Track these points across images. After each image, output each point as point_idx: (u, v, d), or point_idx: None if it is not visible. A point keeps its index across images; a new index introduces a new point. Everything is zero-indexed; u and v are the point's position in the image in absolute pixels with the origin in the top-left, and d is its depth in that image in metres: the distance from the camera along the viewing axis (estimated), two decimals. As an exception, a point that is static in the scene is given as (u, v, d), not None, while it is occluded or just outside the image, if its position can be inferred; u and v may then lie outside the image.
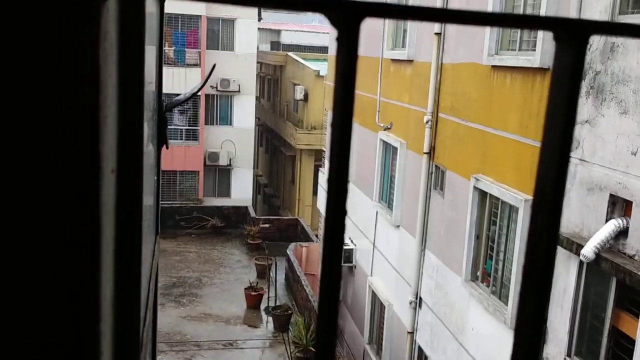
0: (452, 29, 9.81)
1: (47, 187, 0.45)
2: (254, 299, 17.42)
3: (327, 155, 17.54)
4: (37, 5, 0.40)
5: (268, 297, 17.43)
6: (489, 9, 8.40)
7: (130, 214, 0.59)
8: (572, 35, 0.33)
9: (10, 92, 0.42)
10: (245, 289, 17.67)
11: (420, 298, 10.77)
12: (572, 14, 6.67)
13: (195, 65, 25.27)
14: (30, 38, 0.41)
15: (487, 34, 8.44)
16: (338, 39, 0.33)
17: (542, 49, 7.19)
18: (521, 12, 7.96)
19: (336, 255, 0.40)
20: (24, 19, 0.41)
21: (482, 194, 8.73)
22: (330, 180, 0.34)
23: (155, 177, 1.40)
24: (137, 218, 0.65)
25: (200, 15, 25.01)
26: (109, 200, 0.49)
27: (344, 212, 0.34)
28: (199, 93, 25.01)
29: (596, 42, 6.37)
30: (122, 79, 0.53)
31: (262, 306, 17.50)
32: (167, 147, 1.66)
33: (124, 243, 0.59)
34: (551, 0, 7.08)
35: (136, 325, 0.77)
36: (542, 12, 7.21)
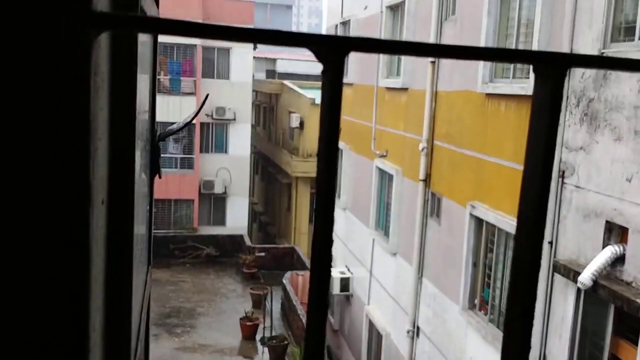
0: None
1: (37, 218, 0.45)
2: (249, 330, 17.21)
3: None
4: (29, 40, 0.41)
5: (264, 327, 17.23)
6: (482, 36, 8.52)
7: (121, 245, 0.59)
8: (550, 68, 0.34)
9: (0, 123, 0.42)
10: (240, 319, 17.48)
11: (418, 327, 10.67)
12: (565, 42, 6.77)
13: (191, 93, 25.43)
14: (22, 72, 0.42)
15: (481, 61, 8.55)
16: (323, 72, 0.33)
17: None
18: (514, 40, 8.08)
19: (323, 289, 0.40)
20: (16, 52, 0.41)
21: (479, 221, 8.73)
22: (317, 210, 0.34)
23: (148, 207, 1.40)
24: (128, 249, 0.65)
25: (196, 45, 25.27)
26: (99, 231, 0.49)
27: (330, 240, 0.34)
28: (194, 121, 25.12)
29: (589, 69, 6.47)
30: (114, 111, 0.53)
31: (258, 337, 17.29)
32: (159, 177, 1.66)
33: (115, 274, 0.58)
34: (543, 29, 7.19)
35: (127, 357, 0.76)
36: (535, 40, 7.31)
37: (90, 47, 0.42)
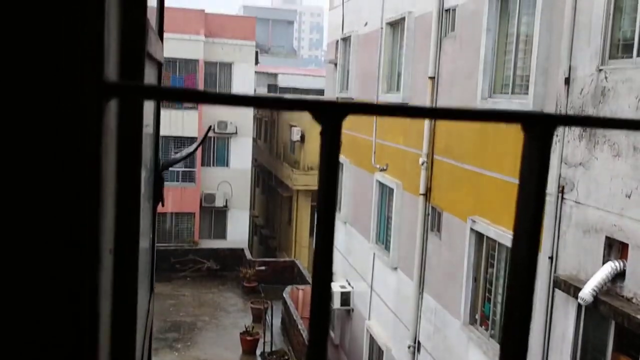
0: (445, 72, 9.99)
1: (47, 270, 0.47)
2: (249, 344, 17.13)
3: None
4: (45, 108, 0.43)
5: (264, 342, 17.15)
6: (482, 52, 8.58)
7: (126, 295, 0.60)
8: (538, 128, 0.36)
9: (17, 183, 0.44)
10: (240, 333, 17.40)
11: (419, 342, 10.62)
12: (563, 58, 6.82)
13: (193, 108, 25.53)
14: (37, 133, 0.44)
15: (481, 77, 8.60)
16: (321, 133, 0.35)
17: (534, 93, 7.32)
18: (513, 56, 8.12)
19: (324, 307, 0.41)
20: (32, 114, 0.44)
21: (479, 236, 8.73)
22: (314, 269, 0.36)
23: (151, 235, 1.42)
24: (132, 299, 0.67)
25: (198, 60, 25.41)
26: (107, 281, 0.51)
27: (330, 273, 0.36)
28: (196, 135, 25.19)
29: (587, 85, 6.50)
30: (121, 163, 0.55)
31: (258, 351, 17.20)
32: (162, 205, 1.68)
33: (120, 321, 0.60)
34: (542, 45, 7.25)
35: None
36: (534, 56, 7.35)
37: (101, 113, 0.44)
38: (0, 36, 0.42)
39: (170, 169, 25.82)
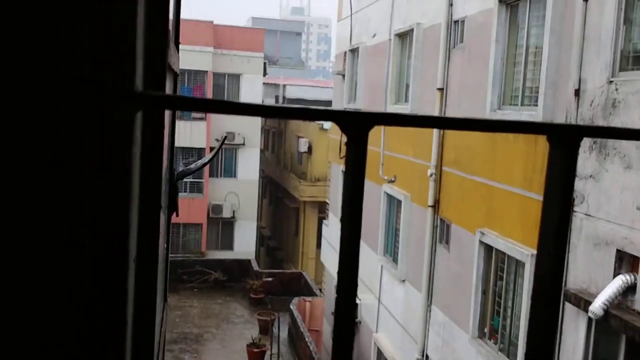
0: (454, 84, 9.99)
1: (77, 275, 0.47)
2: (256, 356, 17.05)
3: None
4: (80, 119, 0.44)
5: (271, 354, 17.07)
6: (491, 64, 8.57)
7: (146, 303, 0.61)
8: (564, 139, 0.35)
9: (52, 194, 0.45)
10: (247, 345, 17.33)
11: (427, 355, 10.54)
12: (573, 70, 6.80)
13: (201, 119, 25.64)
14: (72, 142, 0.45)
15: (490, 88, 8.59)
16: (347, 144, 0.35)
17: (544, 104, 7.30)
18: (522, 68, 8.12)
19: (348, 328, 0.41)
20: (68, 126, 0.44)
21: (488, 249, 8.67)
22: (339, 279, 0.36)
23: (165, 245, 1.42)
24: (151, 307, 0.67)
25: (207, 71, 25.56)
26: (130, 289, 0.51)
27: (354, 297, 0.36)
28: (204, 146, 25.29)
29: (597, 97, 6.48)
30: (143, 173, 0.56)
31: (265, 363, 17.12)
32: (177, 215, 1.68)
33: (140, 328, 0.60)
34: (552, 57, 7.23)
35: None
36: (543, 68, 7.34)
37: (132, 123, 0.44)
38: (38, 45, 0.43)
39: (179, 179, 25.89)
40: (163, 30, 0.77)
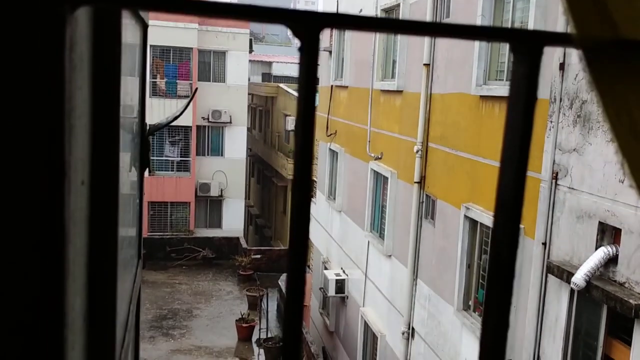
0: (440, 59, 9.96)
1: (11, 196, 0.45)
2: (245, 331, 17.20)
3: (317, 179, 17.22)
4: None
5: (260, 329, 17.22)
6: (476, 45, 8.54)
7: (104, 225, 0.59)
8: (528, 46, 0.34)
9: None
10: (236, 320, 17.46)
11: (413, 328, 10.67)
12: (560, 25, 6.77)
13: (187, 96, 25.39)
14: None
15: (475, 64, 8.58)
16: (300, 49, 0.34)
17: (528, 79, 7.29)
18: (507, 45, 8.09)
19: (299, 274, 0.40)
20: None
21: (473, 223, 8.74)
22: (293, 191, 0.34)
23: (138, 200, 1.40)
24: (112, 230, 0.65)
25: (192, 48, 25.26)
26: (79, 211, 0.49)
27: (307, 220, 0.35)
28: (190, 124, 25.10)
29: (582, 71, 6.49)
30: (96, 92, 0.53)
31: (254, 338, 17.27)
32: (150, 171, 1.66)
33: (98, 254, 0.58)
34: (539, 14, 7.15)
35: (111, 341, 0.76)
36: (531, 22, 7.28)
37: (64, 21, 0.42)
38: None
39: (165, 158, 25.74)
40: None
